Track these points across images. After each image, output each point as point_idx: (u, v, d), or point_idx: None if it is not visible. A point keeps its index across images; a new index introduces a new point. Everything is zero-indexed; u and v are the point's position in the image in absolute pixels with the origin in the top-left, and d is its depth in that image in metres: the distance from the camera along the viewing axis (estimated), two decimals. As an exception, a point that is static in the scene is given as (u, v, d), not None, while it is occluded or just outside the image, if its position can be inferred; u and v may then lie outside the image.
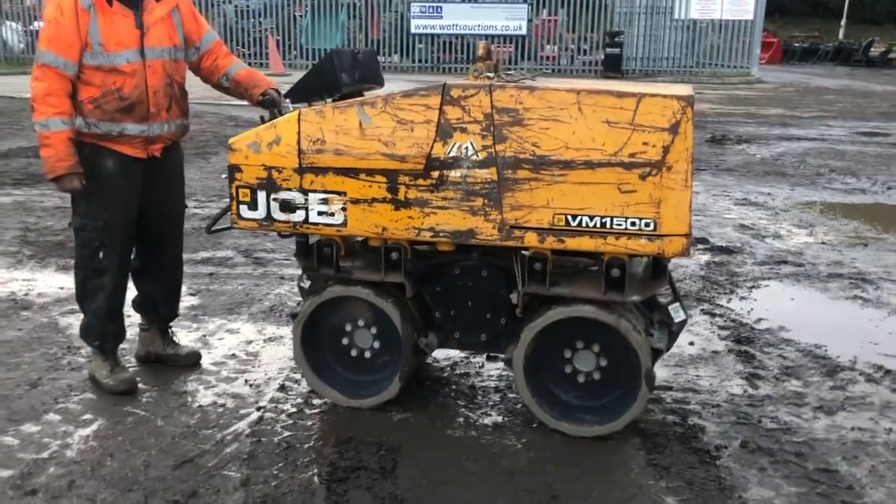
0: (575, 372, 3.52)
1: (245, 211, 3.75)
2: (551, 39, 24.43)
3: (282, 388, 4.08)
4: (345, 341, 3.89)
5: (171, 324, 4.41)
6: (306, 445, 3.53)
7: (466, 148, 3.28)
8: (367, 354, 3.85)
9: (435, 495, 3.16)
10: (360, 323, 3.83)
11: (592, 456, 3.45)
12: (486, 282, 3.58)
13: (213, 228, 4.00)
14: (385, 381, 3.79)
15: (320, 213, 3.59)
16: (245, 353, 4.53)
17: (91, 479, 3.20)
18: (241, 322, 4.98)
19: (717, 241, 7.07)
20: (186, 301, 5.24)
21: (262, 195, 3.69)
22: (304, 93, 3.74)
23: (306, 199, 3.60)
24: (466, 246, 3.46)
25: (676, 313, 3.51)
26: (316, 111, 3.54)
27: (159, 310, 4.30)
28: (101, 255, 3.92)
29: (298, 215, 3.63)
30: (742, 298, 5.57)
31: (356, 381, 3.90)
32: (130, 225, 3.98)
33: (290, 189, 3.63)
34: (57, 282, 5.55)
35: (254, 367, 4.35)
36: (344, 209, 3.54)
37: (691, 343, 4.60)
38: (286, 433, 3.63)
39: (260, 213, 3.72)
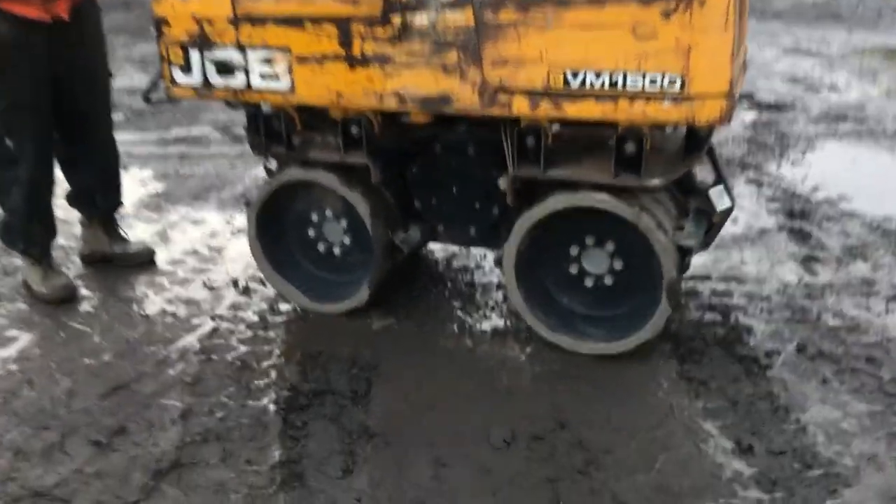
0: (582, 273, 2.86)
1: (179, 75, 3.09)
2: None
3: (245, 290, 3.52)
4: (311, 234, 3.25)
5: (115, 216, 3.84)
6: (265, 364, 2.98)
7: None
8: (337, 251, 3.17)
9: (413, 426, 2.61)
10: (328, 213, 3.21)
11: (612, 369, 2.86)
12: (475, 162, 2.93)
13: (152, 98, 3.26)
14: (356, 283, 3.16)
15: (263, 76, 2.89)
16: (208, 248, 3.98)
17: (0, 413, 2.73)
18: (208, 211, 4.40)
19: (764, 96, 6.14)
20: (150, 187, 4.65)
21: (195, 54, 3.01)
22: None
23: (245, 58, 2.90)
24: (450, 117, 2.77)
25: (720, 199, 2.78)
26: None
27: (96, 201, 3.71)
28: (7, 142, 3.30)
29: (238, 79, 2.95)
30: (794, 164, 4.77)
31: (324, 281, 3.33)
32: (42, 105, 3.32)
33: (225, 46, 2.93)
34: None
35: (216, 264, 3.79)
36: (290, 70, 2.82)
37: (734, 220, 3.91)
38: (242, 348, 3.09)
39: (195, 77, 3.06)
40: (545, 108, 2.52)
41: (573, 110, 2.49)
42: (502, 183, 2.72)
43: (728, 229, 3.71)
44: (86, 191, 3.68)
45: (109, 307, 3.41)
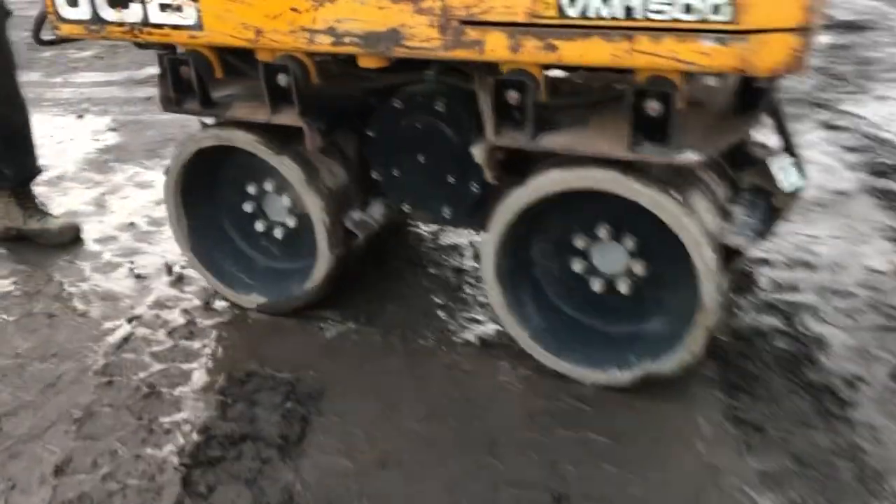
0: (590, 274, 2.15)
1: (65, 8, 2.41)
2: None
3: (178, 280, 2.88)
4: (248, 211, 2.57)
5: (30, 186, 3.21)
6: (177, 391, 2.33)
7: None
8: (278, 233, 2.51)
9: (356, 494, 1.94)
10: (268, 185, 2.52)
11: (633, 406, 2.14)
12: (446, 122, 2.20)
13: (43, 38, 2.56)
14: (302, 275, 2.54)
15: (164, 8, 2.15)
16: (148, 219, 3.33)
17: None
18: (160, 170, 3.66)
19: (838, 14, 5.15)
20: (101, 141, 3.95)
21: None
22: None
23: None
24: (410, 60, 2.00)
25: (786, 175, 1.99)
26: None
27: (2, 169, 3.09)
28: None
29: (134, 12, 2.24)
30: (879, 99, 3.82)
31: (267, 272, 2.69)
32: None
33: None
34: None
35: (152, 243, 3.16)
36: (195, 1, 2.05)
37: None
38: (154, 366, 2.44)
39: (83, 10, 2.39)
40: (531, 50, 1.75)
41: (571, 53, 1.72)
42: (477, 153, 1.95)
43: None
44: None
45: (8, 305, 2.79)
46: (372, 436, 2.10)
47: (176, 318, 2.65)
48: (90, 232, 3.21)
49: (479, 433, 2.08)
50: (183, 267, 2.90)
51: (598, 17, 1.66)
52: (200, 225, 2.65)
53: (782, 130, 2.09)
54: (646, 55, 1.66)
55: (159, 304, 2.73)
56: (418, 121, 2.21)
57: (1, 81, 2.92)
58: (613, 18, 1.65)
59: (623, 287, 2.07)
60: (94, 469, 2.06)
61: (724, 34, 1.58)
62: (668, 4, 1.59)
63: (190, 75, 2.30)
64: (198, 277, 2.80)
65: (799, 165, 2.06)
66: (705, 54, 1.60)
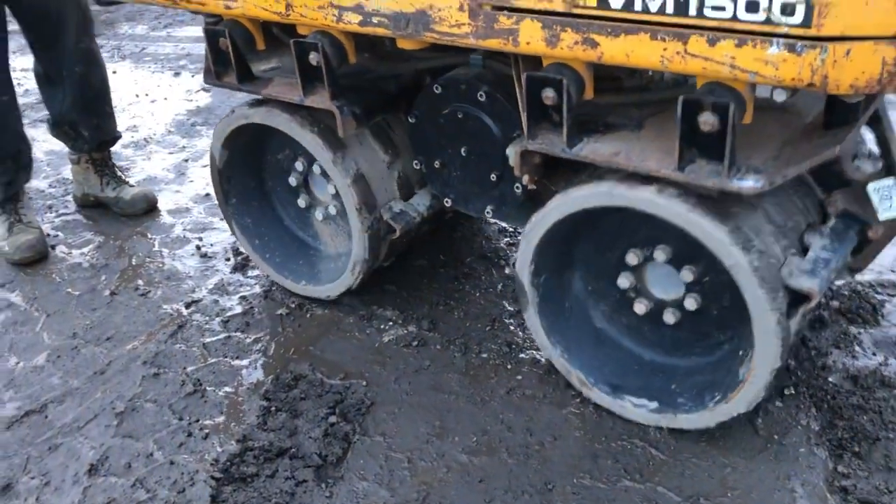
0: (641, 296, 2.00)
1: None
2: None
3: (241, 266, 2.88)
4: (294, 190, 2.60)
5: (109, 152, 3.29)
6: (223, 391, 2.33)
7: None
8: (320, 215, 2.53)
9: None
10: (314, 167, 2.50)
11: (717, 454, 1.96)
12: (489, 113, 2.06)
13: None
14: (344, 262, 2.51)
15: None
16: None
17: None
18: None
19: None
20: (194, 101, 4.01)
21: None
22: None
23: None
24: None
25: (885, 200, 1.66)
26: None
27: (80, 130, 3.15)
28: None
29: None
30: None
31: (309, 255, 2.68)
32: None
33: None
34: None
35: (223, 218, 3.07)
36: None
37: None
38: (203, 360, 2.45)
39: None
40: (569, 45, 1.55)
41: (614, 51, 1.51)
42: (512, 154, 1.78)
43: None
44: (64, 116, 3.11)
45: (75, 279, 2.90)
46: (416, 464, 2.04)
47: (234, 305, 2.67)
48: (166, 202, 3.29)
49: (534, 473, 1.98)
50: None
51: (645, 12, 1.41)
52: (247, 204, 2.66)
53: (885, 147, 1.74)
54: (700, 60, 1.38)
55: (220, 289, 2.76)
56: (460, 109, 2.09)
57: (78, 40, 2.97)
58: (664, 13, 1.39)
59: (670, 317, 1.82)
60: (126, 472, 2.11)
61: (796, 40, 1.28)
62: (729, 1, 1.30)
63: (224, 47, 2.19)
64: None
65: (901, 186, 1.71)
66: (771, 64, 1.33)
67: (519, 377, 2.23)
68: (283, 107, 2.29)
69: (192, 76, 4.52)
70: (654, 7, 1.43)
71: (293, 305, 2.61)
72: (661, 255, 1.83)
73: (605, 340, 2.10)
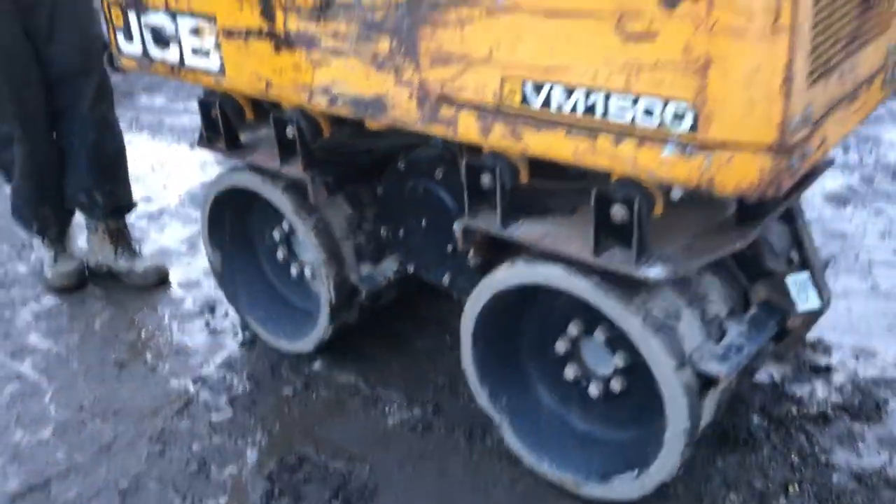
0: (579, 368, 2.10)
1: (123, 42, 2.63)
2: None
3: (250, 342, 2.93)
4: (279, 252, 2.74)
5: (124, 221, 3.46)
6: (225, 472, 2.35)
7: None
8: (308, 273, 2.70)
9: None
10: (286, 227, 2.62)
11: None
12: (445, 190, 2.22)
13: (115, 64, 2.78)
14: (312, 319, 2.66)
15: (195, 52, 2.32)
16: None
17: None
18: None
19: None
20: (208, 174, 4.20)
21: (133, 17, 2.48)
22: None
23: (176, 27, 2.29)
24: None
25: (801, 293, 1.79)
26: None
27: (93, 196, 3.32)
28: None
29: (173, 52, 2.43)
30: None
31: (289, 311, 2.83)
32: (14, 67, 2.98)
33: (157, 9, 2.34)
34: None
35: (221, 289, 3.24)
36: (218, 45, 2.19)
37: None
38: (210, 440, 2.49)
39: (136, 46, 2.63)
40: (499, 136, 1.68)
41: (536, 144, 1.65)
42: (457, 229, 1.91)
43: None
44: (81, 183, 3.28)
45: (84, 350, 2.98)
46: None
47: (241, 383, 2.73)
48: (177, 274, 3.39)
49: None
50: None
51: (559, 111, 1.56)
52: (233, 261, 2.83)
53: (799, 243, 1.87)
54: (608, 157, 1.55)
55: (228, 365, 2.82)
56: (421, 185, 2.25)
57: (96, 109, 3.19)
58: (575, 113, 1.55)
59: (594, 390, 1.95)
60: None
61: (685, 144, 1.43)
62: (630, 104, 1.47)
63: (215, 116, 2.38)
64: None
65: (818, 283, 1.83)
66: (666, 164, 1.48)
67: (524, 468, 2.23)
68: (263, 172, 2.47)
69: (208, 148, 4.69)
70: (567, 108, 1.58)
71: (299, 386, 2.67)
72: (598, 328, 1.96)
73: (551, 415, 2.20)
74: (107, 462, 2.43)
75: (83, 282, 3.31)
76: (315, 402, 2.59)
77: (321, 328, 2.57)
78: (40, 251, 3.39)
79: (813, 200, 3.46)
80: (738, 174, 1.44)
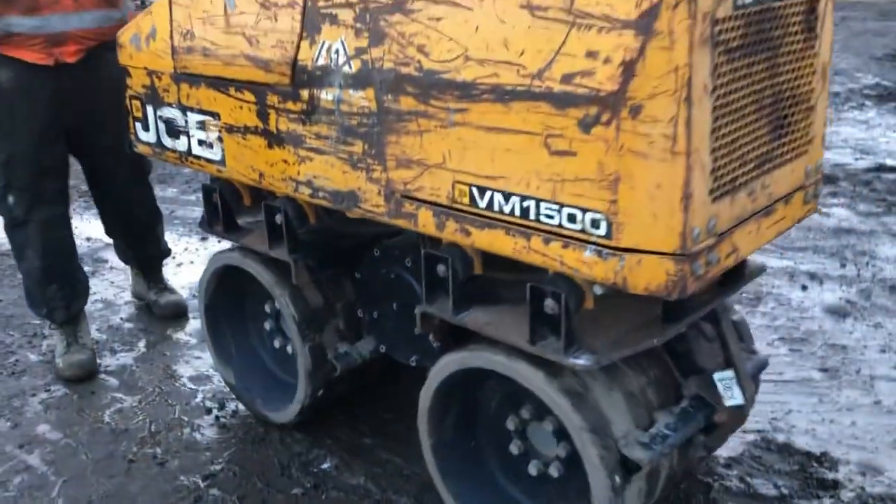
0: (528, 453, 2.25)
1: (140, 131, 2.90)
2: None
3: (262, 439, 2.98)
4: (267, 326, 2.94)
5: (157, 265, 3.90)
6: None
7: (337, 51, 2.02)
8: (291, 350, 2.87)
9: None
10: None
11: None
12: (413, 277, 2.45)
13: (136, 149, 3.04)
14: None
15: (200, 143, 2.63)
16: None
17: None
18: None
19: None
20: None
21: (150, 110, 2.79)
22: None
23: (186, 121, 2.58)
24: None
25: (727, 390, 1.95)
26: None
27: (128, 254, 3.81)
28: (10, 199, 3.25)
29: (182, 143, 2.73)
30: None
31: (276, 384, 3.01)
32: (47, 159, 3.25)
33: (170, 104, 2.67)
34: (84, 232, 4.90)
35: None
36: (220, 139, 2.47)
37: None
38: None
39: (151, 134, 2.92)
40: (451, 230, 1.92)
41: (482, 239, 1.88)
42: (417, 313, 2.10)
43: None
44: (118, 246, 3.81)
45: (93, 443, 2.97)
46: None
47: (251, 481, 2.73)
48: (187, 369, 3.44)
49: None
50: (266, 423, 3.02)
51: (501, 212, 1.77)
52: (225, 334, 3.05)
53: (724, 342, 2.04)
54: (540, 255, 1.74)
55: (238, 462, 2.83)
56: (393, 271, 2.44)
57: (128, 186, 3.52)
58: (513, 215, 1.75)
59: (533, 470, 2.11)
60: None
61: (601, 248, 1.64)
62: (556, 212, 1.67)
63: (215, 202, 2.60)
64: (280, 437, 2.93)
65: (741, 382, 2.00)
66: (586, 264, 1.67)
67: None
68: (253, 254, 2.70)
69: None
70: (506, 210, 1.79)
71: (309, 485, 2.67)
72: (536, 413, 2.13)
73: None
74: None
75: (93, 373, 3.36)
76: (324, 502, 2.59)
77: (297, 400, 2.75)
78: (53, 339, 3.50)
79: (813, 311, 3.61)
80: (647, 276, 1.63)
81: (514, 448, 2.22)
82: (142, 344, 3.62)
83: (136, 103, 2.82)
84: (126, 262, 3.87)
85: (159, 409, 3.15)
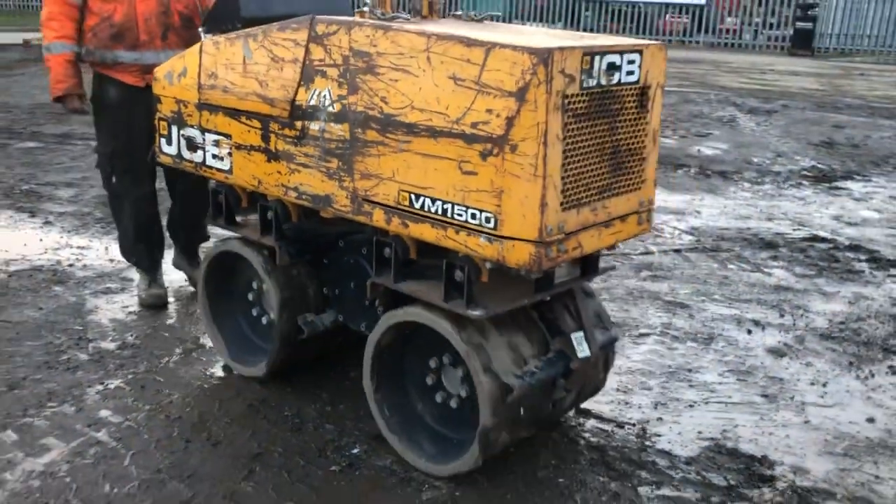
0: (437, 387, 3.13)
1: (164, 145, 3.75)
2: (733, 11, 21.20)
3: (300, 427, 3.42)
4: (250, 299, 3.80)
5: (197, 248, 4.86)
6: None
7: (324, 96, 2.90)
8: (265, 320, 3.51)
9: None
10: (262, 285, 3.59)
11: None
12: (367, 262, 3.29)
13: (157, 161, 3.84)
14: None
15: (214, 157, 3.43)
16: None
17: None
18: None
19: None
20: None
21: (175, 129, 3.63)
22: (213, 22, 3.41)
23: (204, 139, 3.42)
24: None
25: (579, 346, 2.79)
26: (213, 42, 3.36)
27: (179, 234, 4.75)
28: (113, 180, 4.38)
29: (199, 155, 3.54)
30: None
31: (253, 347, 3.81)
32: (138, 152, 4.24)
33: (192, 126, 3.53)
34: (111, 253, 5.33)
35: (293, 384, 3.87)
36: (230, 154, 3.35)
37: (871, 420, 3.66)
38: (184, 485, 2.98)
39: (173, 148, 3.70)
40: (395, 224, 2.78)
41: (415, 230, 2.74)
42: (368, 286, 2.92)
43: (863, 430, 3.53)
44: (174, 223, 4.78)
45: (152, 425, 3.37)
46: None
47: (294, 459, 3.14)
48: (220, 370, 3.88)
49: None
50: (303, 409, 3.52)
51: (429, 211, 2.65)
52: (223, 311, 3.86)
53: (577, 312, 2.93)
54: (451, 240, 2.63)
55: (280, 445, 3.23)
56: (352, 258, 3.25)
57: (186, 181, 4.29)
58: (436, 213, 2.62)
59: (454, 403, 3.00)
60: None
61: (490, 235, 2.52)
62: (464, 211, 2.55)
63: (220, 201, 3.42)
64: (313, 426, 3.38)
65: (590, 341, 2.89)
66: (481, 246, 2.55)
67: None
68: (248, 243, 3.55)
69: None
70: (433, 210, 2.68)
71: (345, 465, 3.11)
72: (447, 359, 3.02)
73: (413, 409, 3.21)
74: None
75: (165, 304, 4.54)
76: (359, 479, 3.04)
77: (271, 358, 3.59)
78: (137, 279, 4.67)
79: (756, 351, 4.25)
80: (518, 255, 2.52)
81: (430, 381, 3.10)
82: (179, 350, 4.05)
83: (164, 124, 3.67)
84: (175, 242, 4.80)
85: (203, 401, 3.57)
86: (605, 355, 3.21)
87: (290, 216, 3.34)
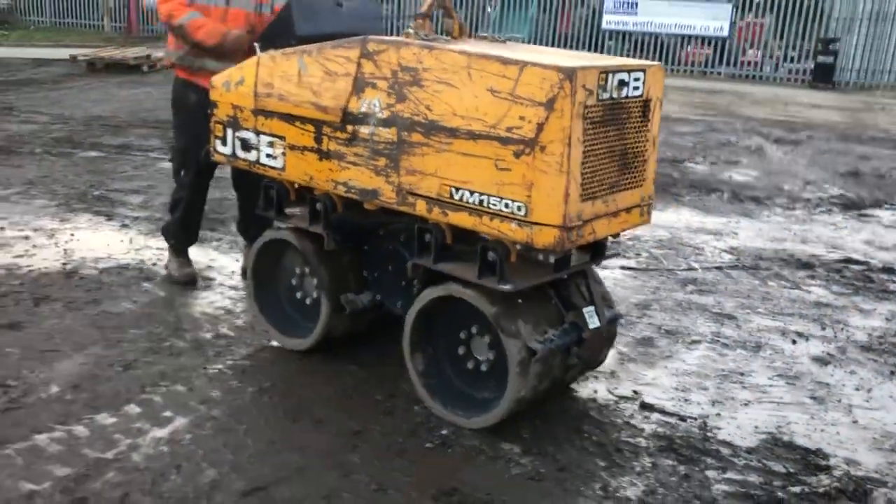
0: (468, 355, 3.61)
1: (219, 145, 4.15)
2: (755, 44, 21.83)
3: (392, 411, 3.68)
4: (293, 283, 4.24)
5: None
6: (394, 490, 3.08)
7: (374, 104, 3.35)
8: (308, 301, 3.97)
9: None
10: (306, 270, 4.00)
11: None
12: (404, 247, 3.68)
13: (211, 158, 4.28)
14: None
15: (268, 156, 3.87)
16: None
17: (148, 494, 2.99)
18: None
19: None
20: None
21: (230, 132, 4.07)
22: (269, 39, 3.87)
23: (258, 140, 3.86)
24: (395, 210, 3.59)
25: (590, 318, 3.28)
26: (270, 56, 3.79)
27: (250, 230, 5.10)
28: (182, 173, 4.92)
29: (253, 155, 3.96)
30: None
31: (295, 325, 4.23)
32: (203, 150, 4.65)
33: (247, 129, 3.97)
34: (192, 254, 5.33)
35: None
36: (284, 154, 3.79)
37: None
38: (374, 471, 3.18)
39: (228, 148, 4.11)
40: (436, 213, 3.26)
41: (454, 218, 3.22)
42: (409, 266, 3.38)
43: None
44: (242, 223, 5.28)
45: (259, 404, 3.64)
46: None
47: (392, 437, 3.42)
48: (301, 363, 4.09)
49: None
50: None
51: (467, 202, 3.14)
52: (269, 291, 4.30)
53: (588, 289, 3.42)
54: (486, 226, 3.14)
55: (376, 426, 3.49)
56: (391, 245, 3.72)
57: (250, 183, 4.67)
58: (474, 204, 3.12)
59: (484, 367, 3.48)
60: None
61: (521, 222, 3.02)
62: (499, 201, 3.03)
63: (272, 195, 3.87)
64: (402, 411, 3.63)
65: (599, 314, 3.38)
66: (512, 231, 3.07)
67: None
68: (297, 231, 4.00)
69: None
70: (470, 201, 3.18)
71: (437, 442, 3.41)
72: (475, 328, 3.50)
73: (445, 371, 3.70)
74: (305, 478, 3.11)
75: (196, 282, 4.98)
76: (451, 455, 3.34)
77: (317, 332, 4.04)
78: (168, 261, 5.07)
79: (802, 359, 4.42)
80: (544, 238, 3.02)
81: (461, 350, 3.56)
82: (266, 342, 4.26)
83: (219, 126, 4.14)
84: (245, 238, 5.20)
85: (300, 387, 3.83)
86: (609, 331, 3.73)
87: (336, 208, 3.80)
